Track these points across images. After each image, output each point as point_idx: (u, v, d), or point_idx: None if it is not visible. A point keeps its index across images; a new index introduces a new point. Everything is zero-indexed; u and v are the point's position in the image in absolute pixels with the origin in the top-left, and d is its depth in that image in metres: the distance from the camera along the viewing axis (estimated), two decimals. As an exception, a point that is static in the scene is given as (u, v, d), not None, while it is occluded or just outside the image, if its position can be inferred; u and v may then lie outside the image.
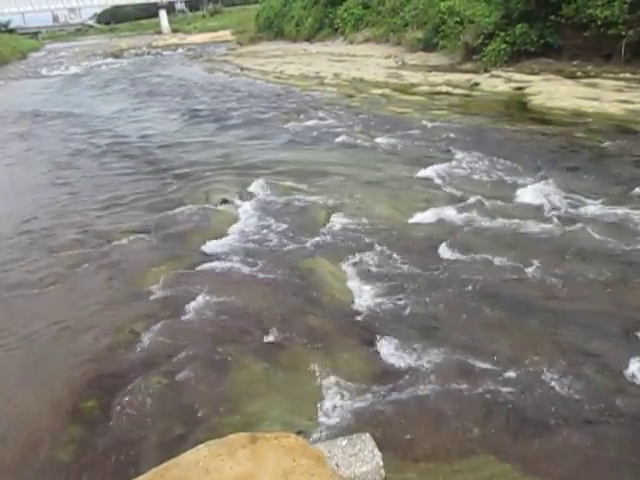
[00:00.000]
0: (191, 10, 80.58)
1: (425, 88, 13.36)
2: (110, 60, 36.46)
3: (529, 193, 5.87)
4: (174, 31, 66.08)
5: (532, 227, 5.09)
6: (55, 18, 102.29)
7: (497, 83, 12.71)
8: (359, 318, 3.87)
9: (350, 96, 13.42)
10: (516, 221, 5.21)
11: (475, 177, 6.55)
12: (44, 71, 32.13)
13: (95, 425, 3.13)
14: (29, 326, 4.19)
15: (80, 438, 3.05)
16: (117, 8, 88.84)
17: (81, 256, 5.30)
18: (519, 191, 5.96)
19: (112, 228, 5.94)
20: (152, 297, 4.41)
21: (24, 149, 10.91)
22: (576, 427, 2.81)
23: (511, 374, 3.20)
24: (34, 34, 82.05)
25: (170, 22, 71.47)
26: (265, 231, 5.50)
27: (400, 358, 3.39)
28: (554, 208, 5.47)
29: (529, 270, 4.31)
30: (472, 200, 5.82)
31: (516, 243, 4.84)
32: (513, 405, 2.98)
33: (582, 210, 5.38)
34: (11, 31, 65.45)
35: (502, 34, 14.02)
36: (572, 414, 2.89)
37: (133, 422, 3.10)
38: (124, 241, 5.51)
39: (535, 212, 5.43)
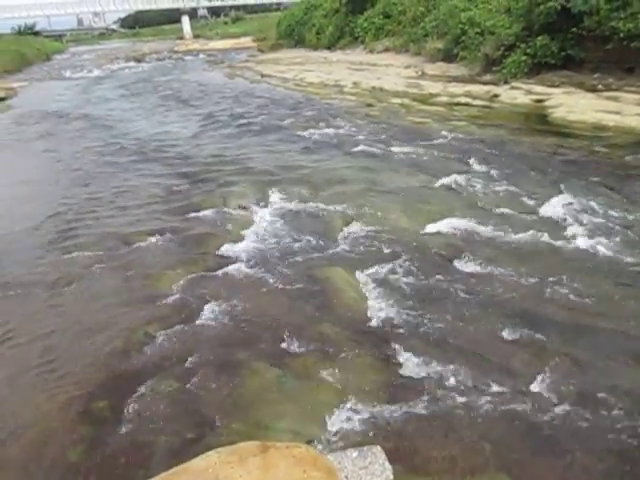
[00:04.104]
0: (213, 16, 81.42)
1: (444, 99, 13.32)
2: (132, 64, 36.89)
3: (548, 207, 5.80)
4: (196, 37, 66.78)
5: (551, 241, 5.02)
6: (80, 21, 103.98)
7: (517, 95, 12.62)
8: (373, 328, 3.84)
9: (369, 105, 13.41)
10: (534, 234, 5.14)
11: (493, 189, 6.49)
12: (67, 73, 32.59)
13: (105, 426, 3.14)
14: (44, 324, 4.23)
15: (90, 438, 3.06)
16: (141, 13, 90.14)
17: (98, 256, 5.33)
18: (538, 204, 5.89)
19: (130, 229, 5.98)
20: (167, 300, 4.42)
21: (45, 149, 11.05)
22: (591, 450, 2.75)
23: (526, 391, 3.14)
24: (59, 37, 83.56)
25: (192, 28, 72.26)
26: (281, 237, 5.49)
27: (413, 370, 3.36)
28: (573, 222, 5.39)
29: (548, 285, 4.25)
30: (490, 212, 5.77)
31: (534, 257, 4.77)
32: (527, 423, 2.93)
33: (602, 225, 5.30)
34: (36, 33, 66.63)
35: (523, 46, 13.92)
36: (588, 436, 2.83)
37: (143, 424, 3.10)
38: (141, 243, 5.55)
39: (554, 226, 5.36)
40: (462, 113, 11.61)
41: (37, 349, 3.91)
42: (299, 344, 3.68)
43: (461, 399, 3.10)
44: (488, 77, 14.98)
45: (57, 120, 14.76)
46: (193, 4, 74.68)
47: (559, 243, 4.98)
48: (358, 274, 4.60)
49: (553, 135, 9.17)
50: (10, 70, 33.25)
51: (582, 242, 4.95)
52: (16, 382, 3.59)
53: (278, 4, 69.87)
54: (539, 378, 3.24)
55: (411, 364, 3.42)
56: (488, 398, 3.10)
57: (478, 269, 4.59)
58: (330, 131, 10.56)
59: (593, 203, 5.81)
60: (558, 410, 3.00)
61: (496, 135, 9.44)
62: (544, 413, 2.98)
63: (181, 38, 68.87)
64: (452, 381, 3.25)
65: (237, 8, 76.02)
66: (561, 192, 6.17)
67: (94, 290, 4.74)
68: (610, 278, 4.33)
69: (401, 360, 3.46)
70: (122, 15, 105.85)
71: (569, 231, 5.21)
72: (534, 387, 3.18)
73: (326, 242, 5.33)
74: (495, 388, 3.18)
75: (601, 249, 4.79)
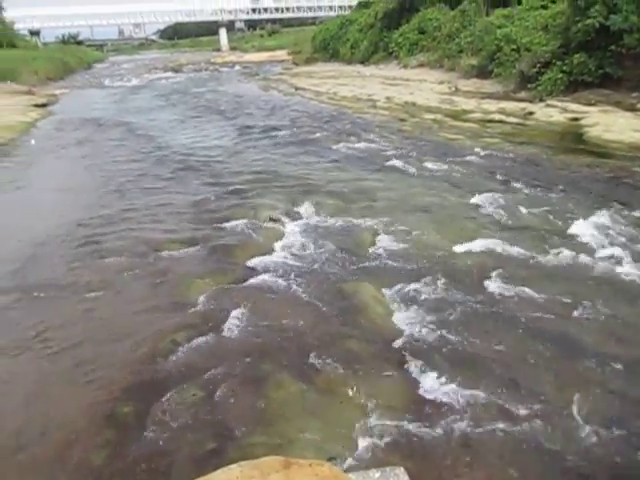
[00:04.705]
0: (250, 29, 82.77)
1: (478, 115, 13.23)
2: (169, 74, 37.72)
3: (582, 228, 5.67)
4: (232, 49, 68.02)
5: (584, 263, 4.91)
6: (121, 32, 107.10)
7: (552, 113, 12.46)
8: (400, 346, 3.80)
9: (402, 120, 13.40)
10: (567, 256, 5.03)
11: (526, 208, 6.38)
12: (107, 82, 33.50)
13: (129, 431, 3.17)
14: (75, 328, 4.30)
15: (114, 443, 3.09)
16: (180, 25, 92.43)
17: (129, 263, 5.42)
18: (572, 225, 5.77)
19: (161, 237, 6.07)
20: (195, 308, 4.46)
21: (83, 155, 11.34)
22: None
23: (554, 418, 3.06)
24: (100, 46, 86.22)
25: (229, 40, 73.73)
26: (310, 250, 5.50)
27: (439, 390, 3.30)
28: (608, 244, 5.26)
29: (580, 308, 4.15)
30: (522, 232, 5.68)
31: (567, 279, 4.67)
32: (555, 451, 2.85)
33: (637, 248, 5.15)
34: (79, 43, 68.95)
35: (559, 63, 13.77)
36: (618, 468, 2.73)
37: (166, 432, 3.12)
38: (172, 251, 5.62)
39: (587, 248, 5.23)
40: (495, 130, 11.51)
41: (67, 352, 3.97)
42: (324, 358, 3.66)
43: (488, 422, 3.04)
44: (523, 94, 14.84)
45: (95, 127, 15.15)
46: (231, 17, 76.26)
47: (592, 266, 4.86)
48: (386, 290, 4.57)
49: (588, 154, 9.00)
50: (53, 77, 34.36)
51: (616, 266, 4.82)
52: (46, 384, 3.65)
53: (314, 18, 70.68)
54: (569, 405, 3.15)
55: (437, 384, 3.36)
56: (516, 423, 3.03)
57: (508, 289, 4.51)
58: (362, 145, 10.58)
59: (629, 226, 5.66)
60: (588, 439, 2.91)
61: (530, 153, 9.32)
62: (573, 441, 2.90)
63: (218, 50, 70.30)
64: (479, 403, 3.19)
65: (273, 21, 77.18)
66: (596, 213, 6.03)
67: (124, 296, 4.82)
68: (646, 304, 4.21)
69: (427, 380, 3.41)
70: (162, 26, 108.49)
71: (603, 254, 5.08)
72: (564, 414, 3.09)
73: (355, 257, 5.31)
74: (523, 412, 3.11)
75: (636, 274, 4.66)
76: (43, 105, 20.39)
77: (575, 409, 3.12)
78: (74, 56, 49.45)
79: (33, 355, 3.95)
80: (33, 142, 13.04)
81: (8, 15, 44.46)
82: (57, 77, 35.49)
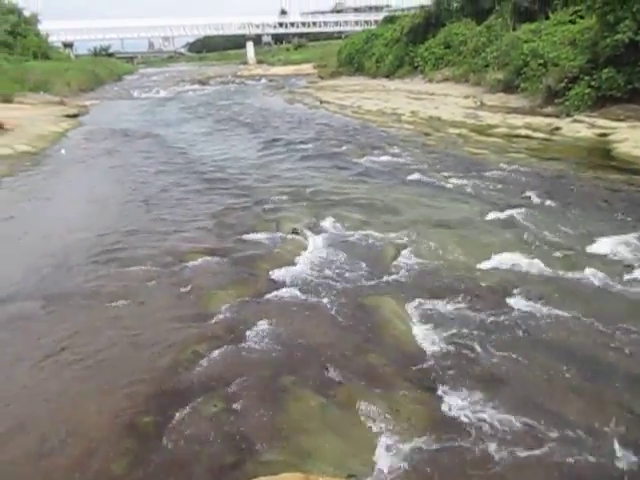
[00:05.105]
0: (276, 43, 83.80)
1: (503, 130, 13.13)
2: (197, 87, 38.31)
3: (609, 246, 5.56)
4: (259, 62, 68.89)
5: (611, 283, 4.80)
6: (150, 45, 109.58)
7: (579, 128, 12.29)
8: (421, 362, 3.76)
9: (426, 134, 13.37)
10: (594, 274, 4.93)
11: (552, 225, 6.29)
12: (136, 93, 34.15)
13: (150, 441, 3.19)
14: (97, 336, 4.35)
15: (134, 452, 3.11)
16: (208, 38, 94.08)
17: (153, 272, 5.48)
18: (598, 243, 5.66)
19: (185, 247, 6.13)
20: (217, 319, 4.49)
21: (111, 165, 11.56)
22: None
23: (580, 442, 2.98)
24: (130, 59, 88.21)
25: (256, 53, 74.72)
26: (332, 264, 5.49)
27: (461, 409, 3.25)
28: (636, 265, 5.14)
29: (606, 329, 4.06)
30: (547, 249, 5.59)
31: (593, 298, 4.58)
32: (578, 477, 2.77)
33: (668, 269, 5.03)
34: (110, 55, 70.59)
35: (587, 78, 13.59)
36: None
37: (186, 443, 3.13)
38: (195, 261, 5.66)
39: (614, 267, 5.12)
40: (521, 145, 11.40)
41: (90, 360, 4.02)
42: (345, 373, 3.65)
43: (512, 445, 2.97)
44: (550, 109, 14.69)
45: (123, 138, 15.44)
46: (258, 31, 77.34)
47: (619, 286, 4.75)
48: (408, 305, 4.54)
49: (617, 171, 8.85)
50: (84, 88, 35.24)
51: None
52: (68, 391, 3.69)
53: (340, 33, 71.25)
54: (595, 430, 3.07)
55: (459, 403, 3.31)
56: (539, 446, 2.96)
57: (532, 308, 4.43)
58: (386, 159, 10.57)
59: (659, 244, 5.54)
60: (614, 466, 2.82)
61: (556, 169, 9.20)
62: (600, 469, 2.82)
63: (245, 63, 71.26)
64: (501, 425, 3.13)
65: (300, 35, 78.01)
66: (624, 231, 5.92)
67: (147, 305, 4.87)
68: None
69: (449, 398, 3.36)
70: (190, 40, 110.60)
71: (630, 274, 4.96)
72: (589, 439, 3.01)
73: (377, 271, 5.29)
74: (547, 436, 3.04)
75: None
76: (74, 115, 20.89)
77: (600, 434, 3.04)
78: (105, 68, 50.64)
79: (57, 363, 4.01)
80: (63, 152, 13.34)
81: (43, 28, 45.73)
82: (88, 88, 36.37)
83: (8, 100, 21.99)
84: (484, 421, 3.16)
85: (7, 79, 25.53)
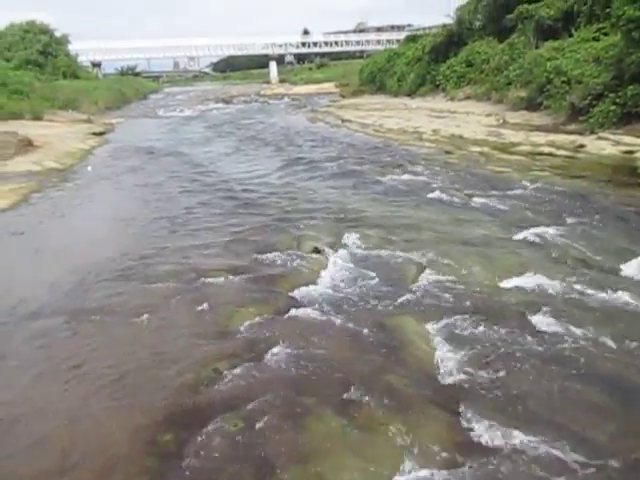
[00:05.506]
0: (299, 62, 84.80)
1: (526, 148, 13.03)
2: (221, 105, 38.93)
3: (636, 267, 5.45)
4: (281, 81, 69.74)
5: (636, 303, 4.70)
6: (176, 64, 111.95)
7: (604, 146, 12.13)
8: (443, 384, 3.71)
9: (448, 152, 13.34)
10: (620, 295, 4.84)
11: (577, 244, 6.19)
12: (161, 112, 34.81)
13: (170, 459, 3.18)
14: (118, 352, 4.37)
15: (154, 470, 3.10)
16: (232, 58, 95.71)
17: (174, 289, 5.51)
18: (625, 264, 5.55)
19: (206, 265, 6.16)
20: (238, 337, 4.49)
21: (135, 183, 11.75)
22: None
23: (609, 469, 2.89)
24: (156, 77, 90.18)
25: (279, 73, 75.68)
26: (353, 283, 5.47)
27: (485, 433, 3.18)
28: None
29: (636, 351, 3.96)
30: (572, 268, 5.50)
31: (620, 319, 4.48)
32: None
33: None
34: (137, 74, 72.29)
35: (612, 95, 13.46)
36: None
37: (206, 462, 3.11)
38: (216, 279, 5.68)
39: (640, 288, 5.02)
40: (544, 163, 11.30)
41: (111, 376, 4.04)
42: (365, 394, 3.60)
43: (534, 469, 2.90)
44: (573, 127, 14.57)
45: (148, 156, 15.70)
46: (281, 51, 78.41)
47: (648, 308, 4.64)
48: (429, 325, 4.49)
49: (644, 190, 8.70)
50: (111, 107, 36.10)
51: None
52: (89, 407, 3.71)
53: (362, 52, 71.85)
54: (622, 455, 2.98)
55: (482, 426, 3.24)
56: (565, 472, 2.88)
57: (557, 328, 4.35)
58: (407, 177, 10.56)
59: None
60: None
61: (580, 187, 9.09)
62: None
63: (267, 82, 72.23)
64: (524, 448, 3.05)
65: (322, 55, 78.86)
66: (651, 252, 5.80)
67: (168, 322, 4.90)
68: None
69: (471, 421, 3.30)
70: (215, 59, 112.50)
71: (660, 295, 4.85)
72: (618, 465, 2.91)
73: (398, 290, 5.25)
74: (572, 459, 2.95)
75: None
76: (101, 133, 21.37)
77: (629, 460, 2.95)
78: (131, 87, 51.85)
79: (79, 379, 4.04)
80: (90, 169, 13.63)
81: (73, 48, 47.03)
82: (114, 106, 37.28)
83: (38, 118, 22.67)
84: (506, 445, 3.08)
85: (38, 97, 26.35)
